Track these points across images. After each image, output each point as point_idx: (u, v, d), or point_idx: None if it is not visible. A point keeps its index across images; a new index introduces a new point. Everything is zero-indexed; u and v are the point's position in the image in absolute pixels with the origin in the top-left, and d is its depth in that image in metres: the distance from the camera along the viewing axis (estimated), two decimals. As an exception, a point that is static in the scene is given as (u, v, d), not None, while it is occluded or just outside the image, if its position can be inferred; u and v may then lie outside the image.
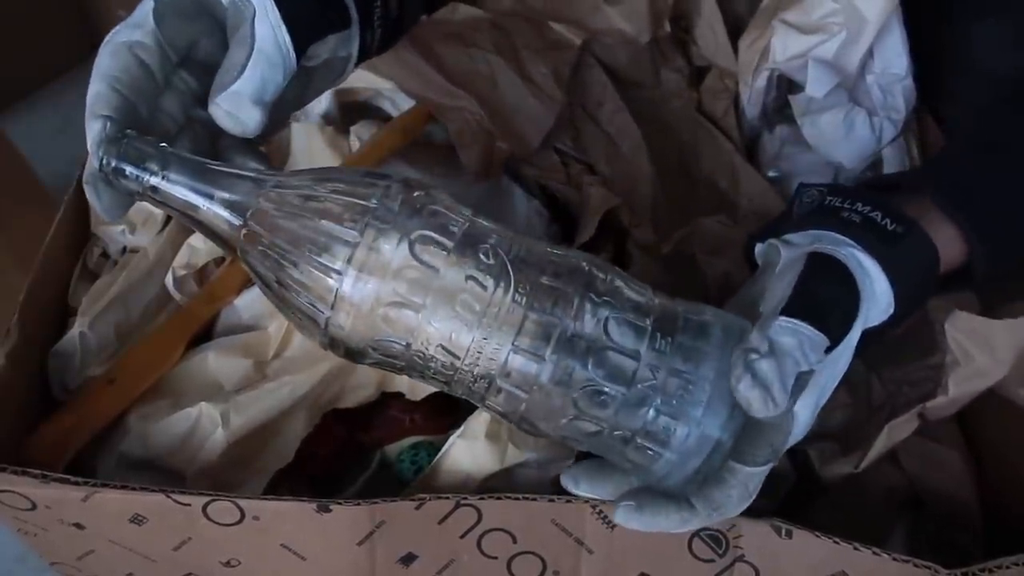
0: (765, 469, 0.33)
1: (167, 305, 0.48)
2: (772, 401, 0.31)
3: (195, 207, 0.33)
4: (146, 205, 0.50)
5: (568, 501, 0.37)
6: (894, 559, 0.34)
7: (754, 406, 0.31)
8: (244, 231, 0.33)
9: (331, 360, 0.44)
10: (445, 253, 0.32)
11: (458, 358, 0.32)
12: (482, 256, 0.32)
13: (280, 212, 0.32)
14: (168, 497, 0.36)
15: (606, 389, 0.32)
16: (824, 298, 0.34)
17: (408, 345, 0.32)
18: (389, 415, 0.47)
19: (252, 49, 0.34)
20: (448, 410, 0.47)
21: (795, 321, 0.32)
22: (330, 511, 0.37)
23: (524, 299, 0.32)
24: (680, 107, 0.62)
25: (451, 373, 0.33)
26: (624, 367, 0.32)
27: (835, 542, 0.35)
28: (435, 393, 0.44)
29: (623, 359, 0.32)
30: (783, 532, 0.36)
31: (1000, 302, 0.45)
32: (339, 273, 0.31)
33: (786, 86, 0.57)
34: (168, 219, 0.51)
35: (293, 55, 0.35)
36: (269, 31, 0.34)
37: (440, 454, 0.41)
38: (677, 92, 0.62)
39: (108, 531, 0.39)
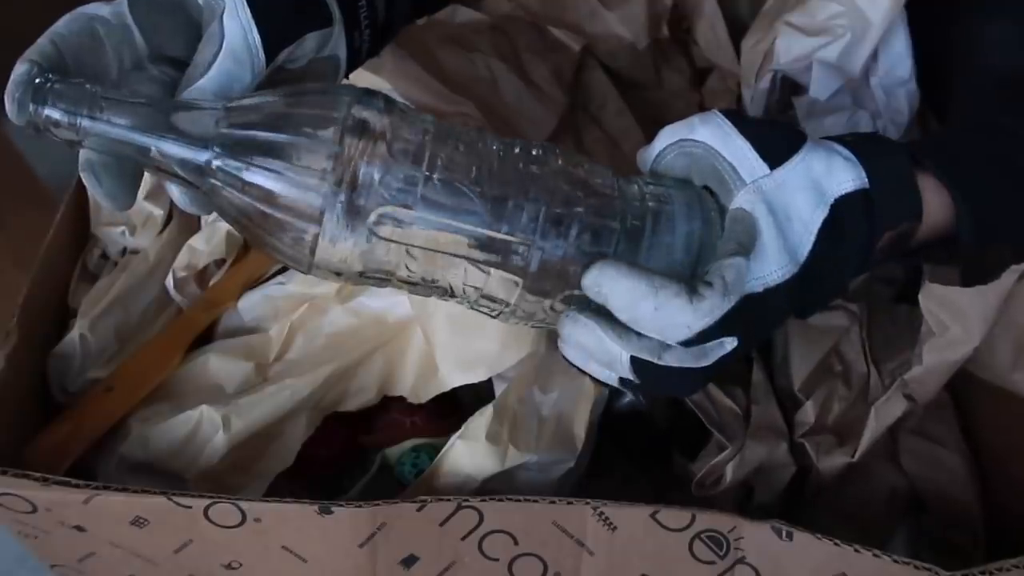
0: (737, 261, 0.32)
1: (167, 307, 0.48)
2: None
3: (145, 148, 0.31)
4: (146, 206, 0.50)
5: (569, 503, 0.37)
6: (895, 561, 0.34)
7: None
8: (207, 165, 0.31)
9: (333, 363, 0.44)
10: (419, 162, 0.31)
11: (439, 272, 0.32)
12: (456, 157, 0.32)
13: (243, 139, 0.31)
14: (169, 499, 0.36)
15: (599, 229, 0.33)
16: (770, 128, 0.35)
17: (393, 263, 0.32)
18: (390, 418, 0.47)
19: (220, 46, 0.34)
20: (449, 413, 0.47)
21: (724, 121, 0.34)
22: (331, 513, 0.37)
23: (496, 193, 0.32)
24: (682, 108, 0.61)
25: (439, 284, 0.33)
26: (609, 208, 0.33)
27: (836, 544, 0.35)
28: (436, 396, 0.44)
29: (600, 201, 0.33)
30: (784, 534, 0.36)
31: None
32: (316, 192, 0.30)
33: (789, 88, 0.57)
34: (168, 220, 0.51)
35: (263, 54, 0.34)
36: (238, 28, 0.34)
37: (440, 455, 0.41)
38: (679, 93, 0.62)
39: (109, 533, 0.39)
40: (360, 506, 0.37)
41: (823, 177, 0.34)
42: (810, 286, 0.35)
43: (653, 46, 0.62)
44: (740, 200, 0.34)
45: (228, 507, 0.37)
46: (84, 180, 0.33)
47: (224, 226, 0.49)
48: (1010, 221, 0.39)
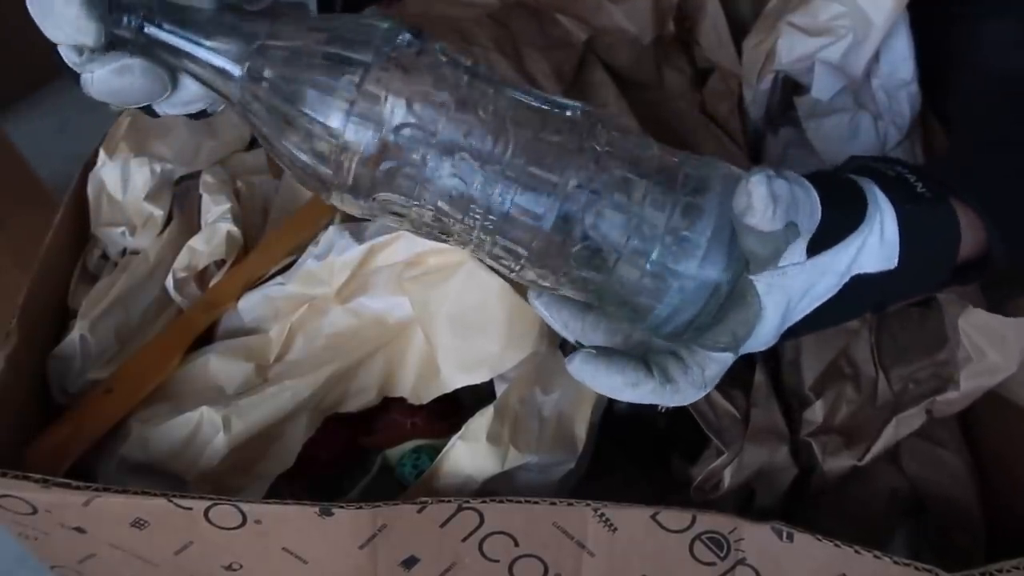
0: (722, 357, 0.33)
1: (167, 308, 0.48)
2: (772, 212, 0.30)
3: (191, 56, 0.33)
4: (146, 206, 0.50)
5: (570, 504, 0.37)
6: (895, 562, 0.34)
7: (756, 206, 0.30)
8: (242, 82, 0.33)
9: (333, 364, 0.44)
10: (444, 109, 0.32)
11: (458, 214, 0.33)
12: (481, 112, 0.32)
13: (277, 64, 0.32)
14: (170, 501, 0.36)
15: (603, 245, 0.32)
16: (831, 200, 0.33)
17: (408, 200, 0.33)
18: (390, 419, 0.47)
19: None
20: (449, 413, 0.47)
21: (812, 188, 0.32)
22: (332, 515, 0.37)
23: (523, 155, 0.32)
24: (683, 108, 0.61)
25: (451, 226, 0.33)
26: (621, 224, 0.32)
27: (836, 545, 0.35)
28: (437, 398, 0.44)
29: (620, 215, 0.32)
30: (784, 535, 0.36)
31: (1005, 300, 0.45)
32: (339, 128, 0.32)
33: (791, 88, 0.57)
34: (168, 221, 0.51)
35: None
36: None
37: (441, 455, 0.41)
38: (680, 93, 0.62)
39: (109, 535, 0.39)
40: (360, 507, 0.37)
41: (853, 261, 0.34)
42: (795, 332, 0.35)
43: (655, 45, 0.62)
44: (760, 280, 0.33)
45: (228, 508, 0.37)
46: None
47: (224, 227, 0.49)
48: None
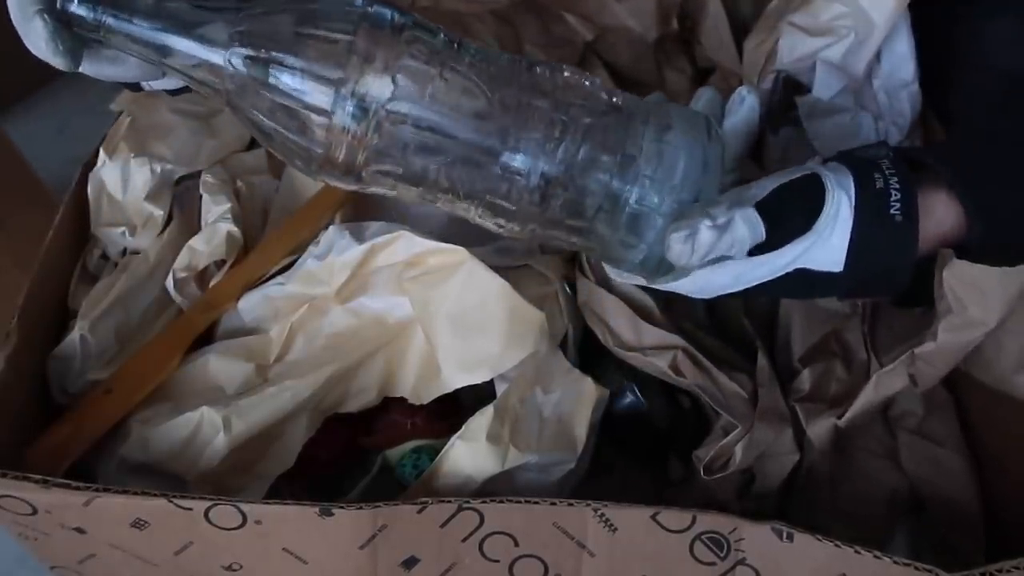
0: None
1: (167, 308, 0.48)
2: (689, 260, 0.35)
3: (164, 48, 0.33)
4: (146, 206, 0.50)
5: (570, 504, 0.37)
6: (895, 563, 0.34)
7: (673, 253, 0.35)
8: (225, 68, 0.33)
9: (333, 365, 0.44)
10: (428, 80, 0.33)
11: (449, 185, 0.35)
12: (463, 79, 0.34)
13: (258, 48, 0.33)
14: (170, 501, 0.36)
15: (586, 199, 0.35)
16: (788, 210, 0.37)
17: (400, 167, 0.34)
18: (390, 419, 0.47)
19: None
20: (449, 413, 0.47)
21: (760, 222, 0.35)
22: (332, 515, 0.37)
23: (504, 117, 0.34)
24: (683, 108, 0.61)
25: (443, 191, 0.35)
26: (601, 172, 0.35)
27: (836, 545, 0.35)
28: (437, 398, 0.44)
29: (599, 165, 0.35)
30: (784, 535, 0.36)
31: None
32: (326, 107, 0.32)
33: (791, 88, 0.57)
34: (168, 221, 0.51)
35: None
36: None
37: (440, 455, 0.41)
38: (681, 93, 0.62)
39: (109, 535, 0.39)
40: (361, 507, 0.37)
41: (793, 261, 0.37)
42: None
43: (656, 44, 0.62)
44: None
45: (228, 509, 0.37)
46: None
47: (224, 227, 0.49)
48: (1020, 233, 0.39)
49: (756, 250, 0.36)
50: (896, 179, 0.37)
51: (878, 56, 0.53)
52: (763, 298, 0.50)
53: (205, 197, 0.50)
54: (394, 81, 0.32)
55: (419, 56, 0.33)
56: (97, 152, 0.51)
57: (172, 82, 0.38)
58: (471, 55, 0.34)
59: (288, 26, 0.33)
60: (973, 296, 0.40)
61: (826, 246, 0.36)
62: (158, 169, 0.50)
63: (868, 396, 0.43)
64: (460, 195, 0.35)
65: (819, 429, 0.44)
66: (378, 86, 0.32)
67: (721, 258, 0.35)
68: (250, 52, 0.33)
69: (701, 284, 0.38)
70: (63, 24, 0.33)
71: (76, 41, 0.33)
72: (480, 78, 0.34)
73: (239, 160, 0.55)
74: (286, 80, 0.32)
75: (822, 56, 0.53)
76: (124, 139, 0.51)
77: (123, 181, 0.50)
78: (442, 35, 0.34)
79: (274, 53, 0.32)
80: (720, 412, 0.43)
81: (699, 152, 0.35)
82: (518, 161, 0.34)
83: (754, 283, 0.37)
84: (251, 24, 0.33)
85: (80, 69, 0.35)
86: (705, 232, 0.34)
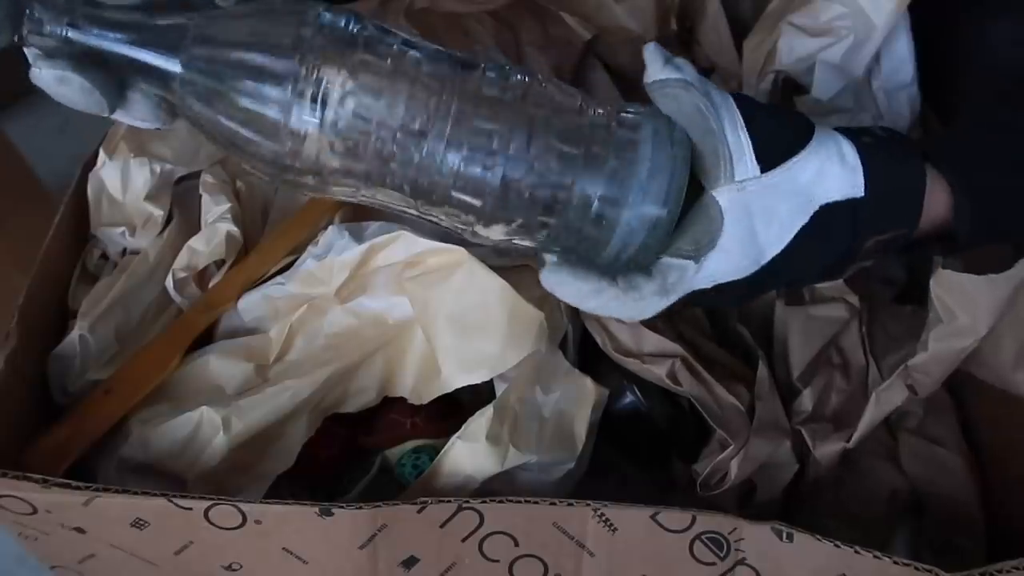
0: (683, 264, 0.35)
1: (167, 308, 0.48)
2: (664, 59, 0.35)
3: (120, 57, 0.33)
4: (146, 206, 0.50)
5: (570, 504, 0.37)
6: (895, 563, 0.34)
7: (649, 59, 0.35)
8: (180, 79, 0.33)
9: (333, 364, 0.44)
10: (386, 77, 0.33)
11: (406, 183, 0.34)
12: (419, 84, 0.33)
13: (212, 58, 0.32)
14: (170, 501, 0.36)
15: (550, 194, 0.34)
16: (774, 117, 0.36)
17: (358, 175, 0.34)
18: (390, 419, 0.47)
19: None
20: (449, 413, 0.47)
21: (730, 98, 0.35)
22: (332, 515, 0.37)
23: (465, 120, 0.33)
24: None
25: (406, 192, 0.35)
26: (563, 173, 0.34)
27: (836, 546, 0.35)
28: (437, 397, 0.44)
29: (562, 166, 0.34)
30: (784, 535, 0.36)
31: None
32: (282, 117, 0.32)
33: (791, 89, 0.57)
34: (168, 221, 0.51)
35: None
36: None
37: (440, 455, 0.41)
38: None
39: (109, 535, 0.39)
40: (360, 507, 0.37)
41: (813, 183, 0.35)
42: (774, 280, 0.36)
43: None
44: (721, 195, 0.34)
45: (228, 508, 0.37)
46: (61, 91, 0.34)
47: (224, 227, 0.49)
48: (1010, 219, 0.39)
49: (764, 166, 0.34)
50: (876, 127, 0.37)
51: (877, 57, 0.53)
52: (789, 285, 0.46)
53: (205, 197, 0.50)
54: (350, 86, 0.32)
55: (374, 60, 0.33)
56: (97, 152, 0.51)
57: (138, 123, 0.37)
58: (426, 53, 0.34)
59: (238, 33, 0.32)
60: (962, 304, 0.40)
61: (840, 163, 0.35)
62: (158, 169, 0.50)
63: (872, 415, 0.43)
64: (424, 195, 0.35)
65: (827, 451, 0.44)
66: (333, 92, 0.32)
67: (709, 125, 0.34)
68: (202, 62, 0.32)
69: (736, 262, 0.35)
70: (18, 38, 0.33)
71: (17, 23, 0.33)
72: (437, 75, 0.33)
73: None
74: (238, 91, 0.32)
75: (822, 57, 0.53)
76: (124, 139, 0.51)
77: (123, 181, 0.50)
78: (399, 34, 0.34)
79: (223, 63, 0.32)
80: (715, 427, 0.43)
81: (663, 153, 0.35)
82: (479, 162, 0.34)
83: (792, 227, 0.34)
84: (202, 32, 0.33)
85: (33, 71, 0.35)
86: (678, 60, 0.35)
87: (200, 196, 0.51)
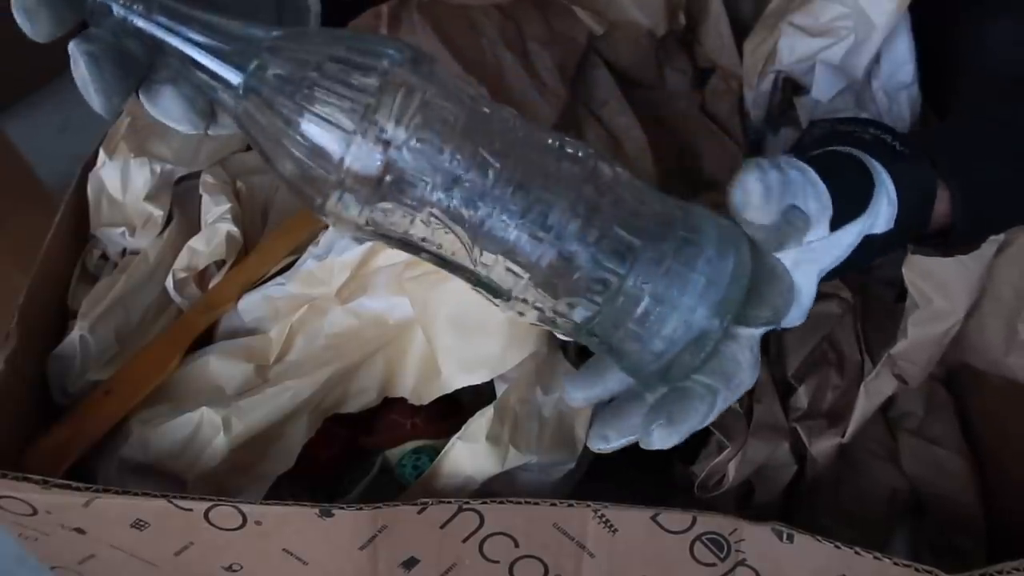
0: (757, 334, 0.34)
1: (168, 308, 0.48)
2: (765, 203, 0.31)
3: (186, 56, 0.32)
4: (146, 206, 0.50)
5: (570, 505, 0.37)
6: (896, 564, 0.34)
7: (752, 200, 0.31)
8: (241, 92, 0.32)
9: (333, 365, 0.44)
10: (448, 138, 0.31)
11: (450, 246, 0.33)
12: (485, 143, 0.32)
13: (279, 78, 0.32)
14: (170, 502, 0.36)
15: (597, 288, 0.33)
16: (841, 178, 0.34)
17: (406, 230, 0.33)
18: (390, 419, 0.47)
19: None
20: (449, 414, 0.47)
21: (810, 170, 0.33)
22: (332, 516, 0.37)
23: (527, 189, 0.32)
24: (684, 108, 0.61)
25: (449, 256, 0.33)
26: (618, 259, 0.32)
27: (837, 546, 0.35)
28: (437, 398, 0.44)
29: (618, 254, 0.32)
30: (784, 536, 0.36)
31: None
32: (339, 153, 0.31)
33: (791, 89, 0.57)
34: (168, 221, 0.51)
35: None
36: None
37: (440, 456, 0.41)
38: (681, 93, 0.62)
39: (109, 536, 0.39)
40: (361, 508, 0.37)
41: (869, 229, 0.35)
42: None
43: (658, 43, 0.62)
44: (788, 259, 0.34)
45: (228, 509, 0.37)
46: (83, 69, 0.33)
47: (224, 227, 0.49)
48: (1005, 214, 0.39)
49: (834, 223, 0.34)
50: (879, 130, 0.38)
51: (878, 58, 0.53)
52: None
53: (205, 197, 0.50)
54: (412, 133, 0.31)
55: (441, 111, 0.32)
56: (97, 152, 0.51)
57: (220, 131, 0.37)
58: (497, 115, 0.33)
59: (310, 60, 0.31)
60: (936, 288, 0.40)
61: (887, 203, 0.35)
62: (158, 169, 0.50)
63: (863, 407, 0.43)
64: (467, 260, 0.33)
65: (823, 447, 0.44)
66: (395, 136, 0.31)
67: (797, 219, 0.33)
68: (268, 82, 0.32)
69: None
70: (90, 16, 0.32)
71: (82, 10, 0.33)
72: (505, 139, 0.32)
73: (239, 160, 0.55)
74: (298, 118, 0.31)
75: (822, 57, 0.53)
76: (124, 139, 0.51)
77: (123, 181, 0.50)
78: (469, 90, 0.33)
79: (291, 86, 0.31)
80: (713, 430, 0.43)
81: (727, 269, 0.33)
82: (533, 235, 0.32)
83: (837, 262, 0.35)
84: (274, 51, 0.32)
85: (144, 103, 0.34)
86: (774, 174, 0.31)
87: (200, 196, 0.51)
